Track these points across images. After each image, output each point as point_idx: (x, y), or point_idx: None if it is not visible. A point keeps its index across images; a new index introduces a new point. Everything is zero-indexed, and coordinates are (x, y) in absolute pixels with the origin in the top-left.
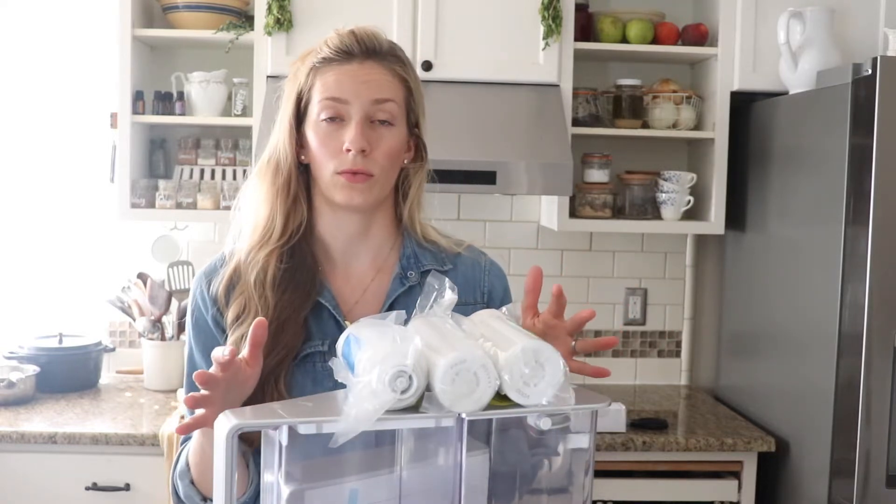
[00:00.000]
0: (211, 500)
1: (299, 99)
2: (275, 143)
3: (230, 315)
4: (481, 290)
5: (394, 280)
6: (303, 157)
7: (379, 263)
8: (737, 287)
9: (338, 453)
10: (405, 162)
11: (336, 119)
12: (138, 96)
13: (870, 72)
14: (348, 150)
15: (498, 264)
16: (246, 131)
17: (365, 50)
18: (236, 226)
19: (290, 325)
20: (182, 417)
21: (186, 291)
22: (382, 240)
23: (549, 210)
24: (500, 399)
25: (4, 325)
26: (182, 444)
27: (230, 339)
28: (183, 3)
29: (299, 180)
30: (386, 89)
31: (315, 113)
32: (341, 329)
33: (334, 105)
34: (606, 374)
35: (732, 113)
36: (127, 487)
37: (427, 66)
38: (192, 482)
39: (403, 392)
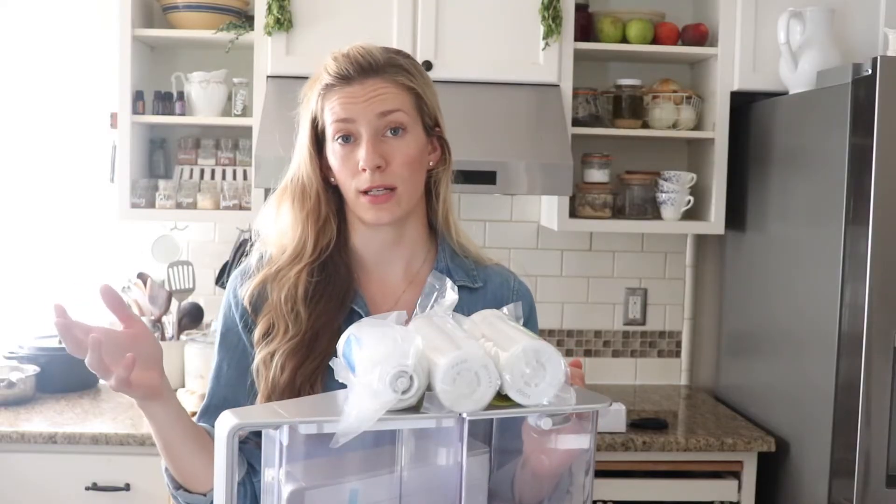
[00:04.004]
0: (184, 489)
1: (314, 123)
2: (296, 167)
3: (257, 332)
4: None
5: None
6: (332, 179)
7: (411, 275)
8: (737, 287)
9: (338, 453)
10: (430, 164)
11: (350, 138)
12: (138, 96)
13: (870, 72)
14: (364, 170)
15: (526, 285)
16: (246, 131)
17: (360, 70)
18: (259, 248)
19: (325, 332)
20: None
21: (187, 291)
22: (416, 248)
23: (549, 210)
24: (501, 399)
25: (4, 325)
26: None
27: (258, 357)
28: (183, 3)
29: (329, 201)
30: (389, 101)
31: (330, 136)
32: None
33: (344, 126)
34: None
35: (732, 113)
36: (127, 487)
37: (427, 66)
38: (166, 470)
39: (404, 392)
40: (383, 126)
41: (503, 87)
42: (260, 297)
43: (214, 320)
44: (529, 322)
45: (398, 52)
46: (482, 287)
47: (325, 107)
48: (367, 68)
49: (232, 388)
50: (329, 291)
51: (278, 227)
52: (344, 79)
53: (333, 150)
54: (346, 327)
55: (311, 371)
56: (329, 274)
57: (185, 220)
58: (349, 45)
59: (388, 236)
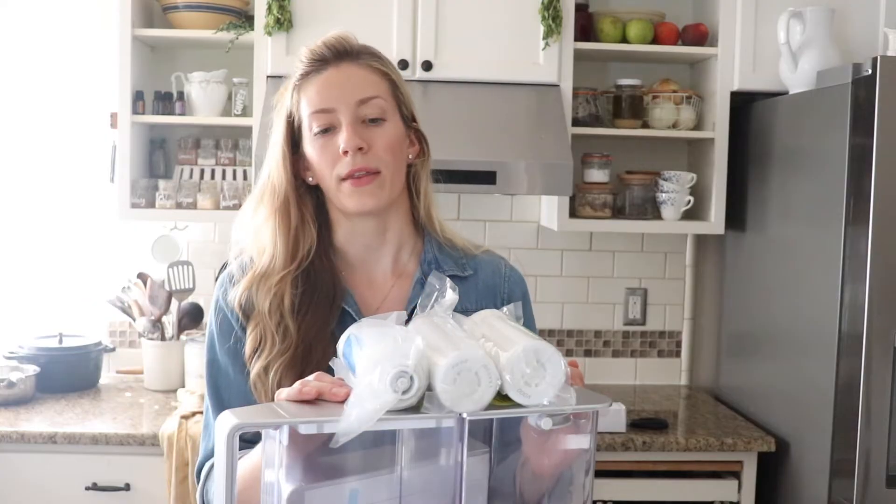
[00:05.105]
0: None
1: (290, 121)
2: (267, 171)
3: (248, 346)
4: (501, 296)
5: (415, 285)
6: (310, 179)
7: (399, 269)
8: (737, 287)
9: (338, 453)
10: (410, 157)
11: (329, 130)
12: (138, 96)
13: (870, 72)
14: (345, 153)
15: (518, 270)
16: (246, 131)
17: (336, 53)
18: (236, 254)
19: (318, 342)
20: (183, 418)
21: (186, 291)
22: (401, 243)
23: (549, 210)
24: (501, 399)
25: (4, 325)
26: (206, 459)
27: (253, 372)
28: (183, 3)
29: (304, 202)
30: (368, 87)
31: (308, 129)
32: None
33: (322, 116)
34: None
35: (732, 113)
36: (127, 487)
37: (427, 66)
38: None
39: (405, 392)
40: (363, 113)
41: (503, 87)
42: (248, 302)
43: None
44: (525, 307)
45: (368, 46)
46: (473, 275)
47: (301, 100)
48: (343, 52)
49: (244, 395)
50: (316, 300)
51: (254, 232)
52: (320, 61)
53: (311, 142)
54: (339, 329)
55: None
56: (313, 282)
57: (185, 220)
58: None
59: (372, 230)
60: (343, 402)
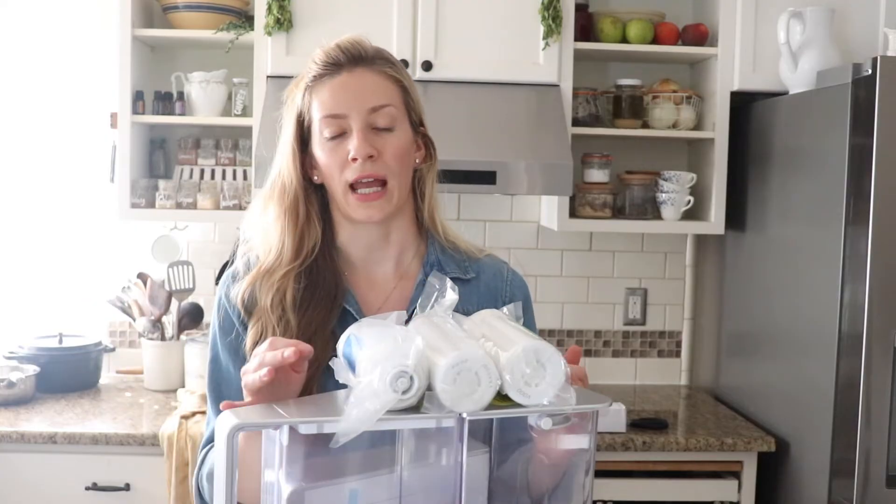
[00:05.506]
0: None
1: (300, 120)
2: (278, 168)
3: (249, 340)
4: (503, 300)
5: (417, 286)
6: (316, 178)
7: (402, 270)
8: (737, 287)
9: (338, 453)
10: (417, 162)
11: (339, 135)
12: (138, 96)
13: (870, 72)
14: (354, 160)
15: (519, 274)
16: (246, 131)
17: (351, 58)
18: (244, 251)
19: (318, 340)
20: (183, 418)
21: (186, 291)
22: (404, 245)
23: (549, 210)
24: (501, 399)
25: (4, 325)
26: (204, 447)
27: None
28: (183, 3)
29: (311, 200)
30: (381, 94)
31: (318, 132)
32: None
33: (334, 122)
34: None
35: (732, 113)
36: (127, 487)
37: (427, 66)
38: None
39: (405, 392)
40: (374, 121)
41: (503, 87)
42: (251, 298)
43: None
44: (526, 311)
45: (382, 49)
46: (475, 278)
47: (312, 101)
48: (358, 57)
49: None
50: (317, 297)
51: (263, 229)
52: (334, 65)
53: (321, 145)
54: (340, 327)
55: (307, 379)
56: (315, 279)
57: (185, 220)
58: (338, 38)
59: (375, 235)
60: (293, 360)
